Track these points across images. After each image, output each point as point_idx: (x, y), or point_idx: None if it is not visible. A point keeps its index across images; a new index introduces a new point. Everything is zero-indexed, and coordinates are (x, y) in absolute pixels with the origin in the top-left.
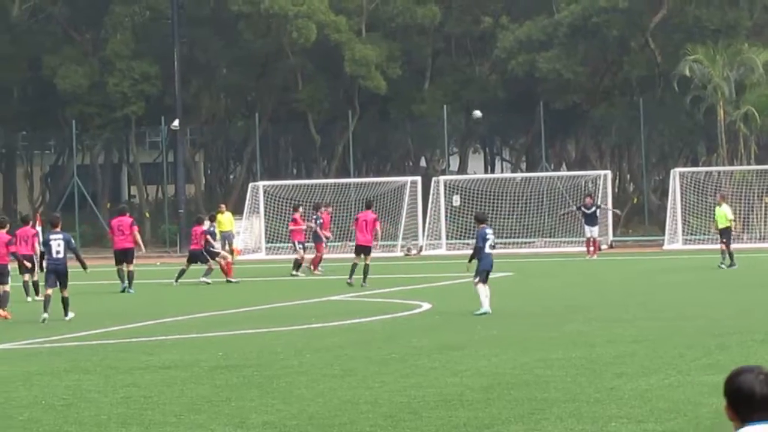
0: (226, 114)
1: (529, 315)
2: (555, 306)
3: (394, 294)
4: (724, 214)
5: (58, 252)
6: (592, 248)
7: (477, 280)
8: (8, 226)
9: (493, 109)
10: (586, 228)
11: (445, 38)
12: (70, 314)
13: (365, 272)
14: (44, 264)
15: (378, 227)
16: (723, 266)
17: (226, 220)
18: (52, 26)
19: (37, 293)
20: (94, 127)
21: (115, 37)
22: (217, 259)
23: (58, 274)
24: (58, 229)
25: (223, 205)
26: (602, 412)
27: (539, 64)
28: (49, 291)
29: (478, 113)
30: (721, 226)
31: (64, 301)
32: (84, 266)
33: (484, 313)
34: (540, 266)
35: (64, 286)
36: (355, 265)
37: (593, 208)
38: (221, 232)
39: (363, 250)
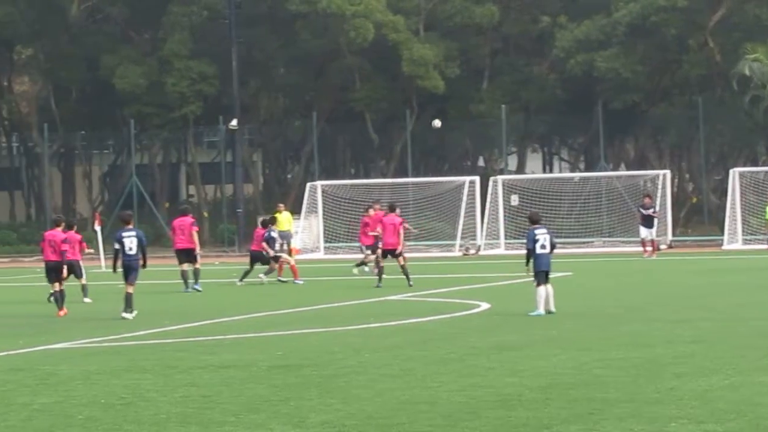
0: (283, 113)
1: (588, 315)
2: (613, 306)
3: (452, 294)
4: None
5: (130, 249)
6: (650, 248)
7: (535, 282)
8: (63, 224)
9: (551, 108)
10: (641, 229)
11: (503, 38)
12: (134, 313)
13: (405, 273)
14: (117, 262)
15: (402, 230)
16: None
17: (284, 219)
18: (110, 26)
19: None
20: (153, 126)
21: (173, 37)
22: (281, 260)
23: (129, 270)
24: (131, 227)
25: (281, 205)
26: (661, 412)
27: (598, 64)
28: (130, 289)
29: (437, 123)
30: None
31: (127, 298)
32: (144, 264)
33: (538, 315)
34: (598, 266)
35: (131, 283)
36: (381, 269)
37: (650, 209)
38: (279, 231)
39: (388, 253)
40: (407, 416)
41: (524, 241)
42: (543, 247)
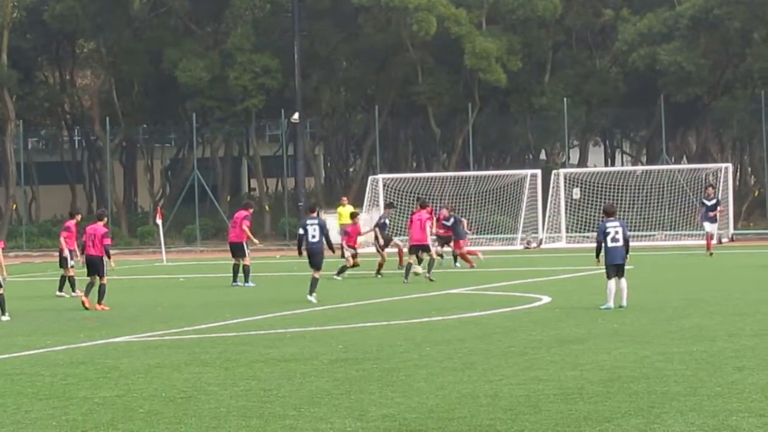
0: (345, 107)
1: (649, 309)
2: (675, 299)
3: (514, 287)
4: None
5: (314, 236)
6: (714, 241)
7: (606, 275)
8: (106, 219)
9: (613, 101)
10: (705, 224)
11: (565, 31)
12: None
13: (429, 266)
14: (302, 247)
15: (428, 225)
16: None
17: (346, 213)
18: (172, 20)
19: (73, 289)
20: (215, 120)
21: (235, 31)
22: (392, 244)
23: (313, 255)
24: (315, 215)
25: (344, 198)
26: (723, 405)
27: (660, 57)
28: (316, 274)
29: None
30: None
31: (313, 283)
32: (332, 249)
33: (607, 308)
34: (660, 260)
35: (317, 267)
36: (410, 265)
37: (714, 200)
38: (341, 225)
39: (418, 249)
40: (468, 410)
41: (586, 234)
42: (614, 240)
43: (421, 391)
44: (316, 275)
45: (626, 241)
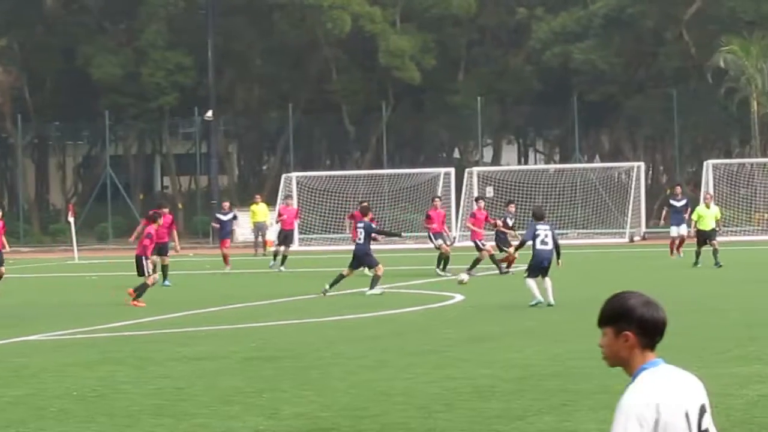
0: (260, 105)
1: (563, 307)
2: (587, 298)
3: (428, 285)
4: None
5: (359, 238)
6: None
7: (526, 274)
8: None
9: (527, 100)
10: (673, 227)
11: (479, 29)
12: (375, 290)
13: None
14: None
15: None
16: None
17: (260, 211)
18: (86, 16)
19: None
20: (128, 117)
21: (149, 28)
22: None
23: (357, 258)
24: (366, 218)
25: (258, 196)
26: None
27: (574, 56)
28: (345, 272)
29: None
30: (709, 228)
31: (375, 280)
32: (397, 235)
33: (538, 303)
34: (574, 258)
35: (366, 265)
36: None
37: (684, 201)
38: (255, 222)
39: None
40: (382, 408)
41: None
42: (544, 243)
43: (334, 389)
44: (380, 272)
45: (556, 244)
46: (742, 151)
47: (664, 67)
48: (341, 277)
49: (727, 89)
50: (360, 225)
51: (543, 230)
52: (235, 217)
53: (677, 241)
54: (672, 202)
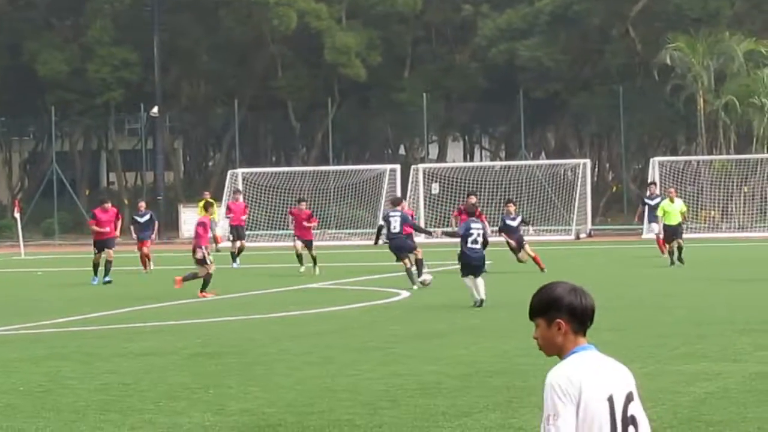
0: (205, 101)
1: (508, 304)
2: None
3: (372, 282)
4: (680, 208)
5: (394, 228)
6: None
7: (461, 273)
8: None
9: (473, 97)
10: (653, 224)
11: (425, 26)
12: (424, 277)
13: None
14: (378, 239)
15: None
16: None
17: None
18: (32, 12)
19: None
20: (74, 113)
21: (95, 24)
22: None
23: (394, 248)
24: (398, 208)
25: (207, 193)
26: None
27: (520, 53)
28: (406, 263)
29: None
30: (675, 222)
31: (419, 265)
32: (429, 233)
33: (481, 300)
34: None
35: (406, 256)
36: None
37: (658, 199)
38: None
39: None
40: (327, 404)
41: (447, 229)
42: (475, 242)
43: (280, 385)
44: (414, 260)
45: (485, 244)
46: (689, 148)
47: (610, 65)
48: (409, 271)
49: (674, 86)
50: (395, 214)
51: (476, 229)
52: (151, 218)
53: (660, 238)
54: (647, 201)
